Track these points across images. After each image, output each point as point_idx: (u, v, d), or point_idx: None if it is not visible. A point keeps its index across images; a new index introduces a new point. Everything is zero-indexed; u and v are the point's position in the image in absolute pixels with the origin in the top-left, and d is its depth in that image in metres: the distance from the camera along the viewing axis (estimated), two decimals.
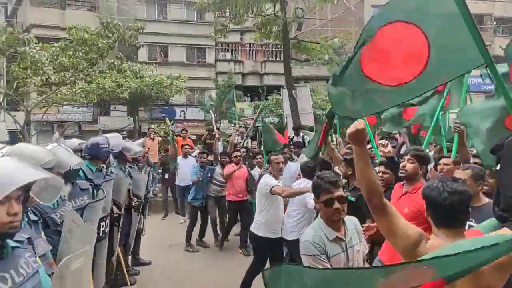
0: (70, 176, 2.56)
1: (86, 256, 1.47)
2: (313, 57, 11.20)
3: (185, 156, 6.92)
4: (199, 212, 5.82)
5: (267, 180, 3.81)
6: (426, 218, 2.28)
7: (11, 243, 1.25)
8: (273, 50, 21.49)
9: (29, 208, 1.72)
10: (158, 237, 6.00)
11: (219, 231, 5.91)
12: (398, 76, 1.82)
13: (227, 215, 5.93)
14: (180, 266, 4.90)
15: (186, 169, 6.53)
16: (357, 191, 3.05)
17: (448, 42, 1.71)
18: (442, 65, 1.73)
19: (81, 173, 3.24)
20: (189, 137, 8.77)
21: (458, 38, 1.65)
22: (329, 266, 1.85)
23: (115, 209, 3.62)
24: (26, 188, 1.35)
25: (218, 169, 5.79)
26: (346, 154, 4.01)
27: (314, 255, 1.87)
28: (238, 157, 5.52)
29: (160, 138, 8.83)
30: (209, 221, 5.82)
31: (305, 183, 3.70)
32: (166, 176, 7.57)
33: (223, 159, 5.80)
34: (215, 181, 5.73)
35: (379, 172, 3.14)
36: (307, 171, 3.86)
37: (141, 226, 4.72)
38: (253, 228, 3.88)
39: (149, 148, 7.21)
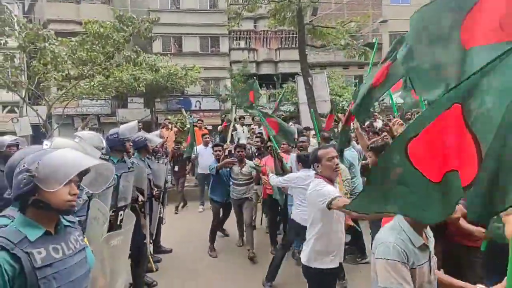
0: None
1: (125, 236, 1.60)
2: (329, 42, 10.90)
3: (206, 145, 7.10)
4: (221, 209, 5.25)
5: (325, 188, 2.52)
6: None
7: (64, 222, 1.48)
8: (288, 36, 21.13)
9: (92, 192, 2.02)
10: (178, 226, 6.13)
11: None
12: None
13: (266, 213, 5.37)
14: (201, 255, 4.98)
15: (207, 158, 6.60)
16: None
17: None
18: None
19: None
20: (205, 127, 8.84)
21: None
22: (410, 281, 1.53)
23: (140, 197, 3.73)
24: (84, 174, 1.74)
25: (236, 168, 4.97)
26: (373, 142, 3.83)
27: (396, 261, 1.53)
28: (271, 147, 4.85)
29: (176, 129, 8.91)
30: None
31: (306, 173, 3.54)
32: (176, 168, 7.56)
33: (240, 153, 4.97)
34: (235, 181, 4.95)
35: (369, 156, 3.14)
36: (305, 161, 3.56)
37: (161, 215, 4.81)
38: (303, 257, 2.74)
39: (166, 138, 7.30)
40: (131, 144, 3.69)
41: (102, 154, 2.92)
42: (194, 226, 6.20)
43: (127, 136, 3.57)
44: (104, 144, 2.98)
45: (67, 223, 1.48)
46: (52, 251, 1.35)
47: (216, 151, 5.31)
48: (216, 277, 4.30)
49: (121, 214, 3.04)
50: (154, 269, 4.39)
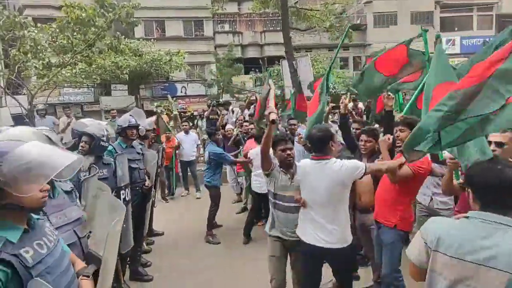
0: (95, 150, 2.98)
1: (121, 221, 1.71)
2: (313, 24, 10.95)
3: (186, 132, 7.24)
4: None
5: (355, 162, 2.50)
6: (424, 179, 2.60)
7: (34, 216, 1.41)
8: (273, 19, 20.95)
9: (61, 180, 1.90)
10: (166, 211, 6.30)
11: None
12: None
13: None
14: (193, 237, 5.17)
15: (188, 145, 7.08)
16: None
17: None
18: None
19: (112, 149, 3.58)
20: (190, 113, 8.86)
21: None
22: None
23: (147, 181, 3.93)
24: None
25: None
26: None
27: None
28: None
29: (166, 116, 8.90)
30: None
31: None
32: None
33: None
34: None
35: (361, 140, 3.27)
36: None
37: (153, 199, 4.94)
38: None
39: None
40: (134, 131, 3.79)
41: (103, 141, 3.00)
42: (181, 210, 6.41)
43: (129, 122, 3.76)
44: (105, 132, 3.05)
45: (37, 216, 1.43)
46: (37, 247, 1.31)
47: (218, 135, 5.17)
48: (208, 255, 4.51)
49: (122, 193, 3.19)
50: (149, 250, 4.57)
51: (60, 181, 1.91)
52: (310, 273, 2.58)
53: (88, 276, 1.54)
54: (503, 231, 1.30)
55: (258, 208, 5.06)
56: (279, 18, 12.71)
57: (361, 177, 2.49)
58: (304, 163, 2.61)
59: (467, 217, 1.42)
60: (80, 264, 1.60)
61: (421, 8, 21.82)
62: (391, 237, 2.75)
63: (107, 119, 9.60)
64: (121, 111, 9.15)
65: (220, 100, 8.58)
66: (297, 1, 12.73)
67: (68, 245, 1.64)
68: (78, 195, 2.08)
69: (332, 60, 4.67)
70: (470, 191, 1.45)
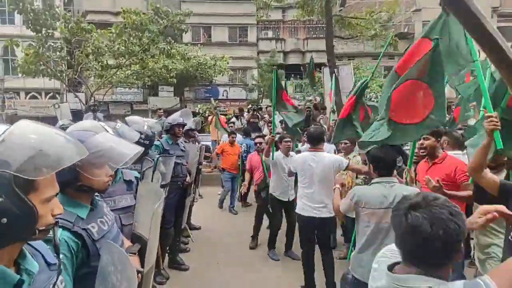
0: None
1: (162, 204, 1.90)
2: (357, 33, 10.86)
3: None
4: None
5: (338, 156, 3.79)
6: (456, 183, 2.72)
7: (96, 197, 1.58)
8: (316, 26, 20.93)
9: (123, 170, 2.17)
10: (203, 207, 6.63)
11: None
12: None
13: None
14: (228, 230, 5.42)
15: None
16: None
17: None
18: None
19: (159, 144, 3.97)
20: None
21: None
22: None
23: (188, 177, 4.22)
24: None
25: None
26: None
27: None
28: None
29: (223, 116, 9.25)
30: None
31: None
32: None
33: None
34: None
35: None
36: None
37: (193, 195, 5.26)
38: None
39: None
40: (181, 129, 4.15)
41: (141, 138, 3.29)
42: (217, 207, 6.74)
43: (177, 121, 4.13)
44: (145, 129, 3.36)
45: (98, 198, 1.60)
46: (100, 224, 1.48)
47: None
48: (243, 249, 4.72)
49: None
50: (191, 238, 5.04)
51: (128, 169, 2.20)
52: (309, 239, 3.58)
53: (134, 253, 1.70)
54: (392, 186, 2.28)
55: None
56: (322, 25, 12.76)
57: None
58: (303, 155, 3.69)
59: (373, 183, 2.35)
60: (128, 243, 1.79)
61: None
62: None
63: (153, 117, 10.28)
64: (167, 111, 9.76)
65: (261, 104, 8.84)
66: (341, 9, 12.70)
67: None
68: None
69: (374, 68, 4.64)
70: (371, 166, 2.40)
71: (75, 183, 1.41)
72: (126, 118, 3.31)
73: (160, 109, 10.26)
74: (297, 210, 3.62)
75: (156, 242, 2.00)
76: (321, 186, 3.42)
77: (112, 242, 1.43)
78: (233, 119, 9.01)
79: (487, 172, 2.07)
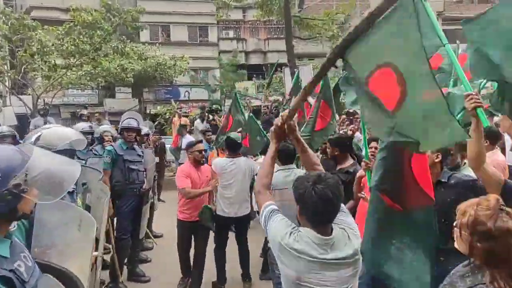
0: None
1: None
2: (316, 33, 11.11)
3: (189, 133, 7.30)
4: None
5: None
6: None
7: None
8: (277, 27, 21.15)
9: None
10: (168, 212, 6.35)
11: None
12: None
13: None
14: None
15: None
16: (348, 174, 3.14)
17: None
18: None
19: (111, 149, 3.76)
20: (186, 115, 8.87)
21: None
22: None
23: (145, 184, 4.02)
24: None
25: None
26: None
27: None
28: None
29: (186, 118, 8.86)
30: None
31: None
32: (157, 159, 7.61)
33: None
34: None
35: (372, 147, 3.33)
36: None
37: (153, 201, 5.02)
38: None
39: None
40: (130, 133, 3.90)
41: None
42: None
43: (126, 125, 3.90)
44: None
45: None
46: (25, 260, 1.22)
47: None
48: (208, 256, 4.56)
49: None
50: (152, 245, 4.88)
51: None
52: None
53: None
54: (292, 171, 3.07)
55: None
56: (283, 26, 12.92)
57: None
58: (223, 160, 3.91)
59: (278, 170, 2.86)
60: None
61: None
62: None
63: (111, 121, 9.68)
64: (113, 114, 9.26)
65: (215, 106, 8.81)
66: (300, 10, 12.93)
67: None
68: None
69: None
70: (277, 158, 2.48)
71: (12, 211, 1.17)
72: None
73: (98, 112, 9.73)
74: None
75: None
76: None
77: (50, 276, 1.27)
78: (197, 121, 8.77)
79: (489, 166, 1.86)
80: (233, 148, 3.84)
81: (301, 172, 2.93)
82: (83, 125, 4.20)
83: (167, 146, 7.54)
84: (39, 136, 2.06)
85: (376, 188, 1.96)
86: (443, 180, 2.09)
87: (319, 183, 1.46)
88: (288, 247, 1.46)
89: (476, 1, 24.31)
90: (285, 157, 3.11)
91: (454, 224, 1.32)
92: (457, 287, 1.27)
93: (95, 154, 4.08)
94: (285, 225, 1.54)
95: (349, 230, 1.54)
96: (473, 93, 1.73)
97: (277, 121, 1.91)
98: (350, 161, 3.27)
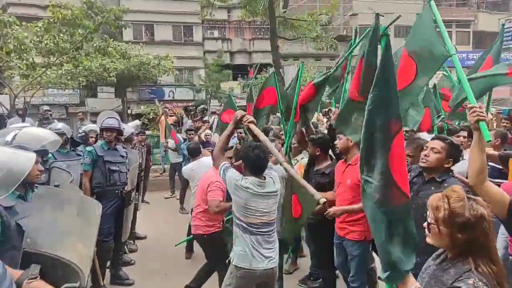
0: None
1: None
2: (300, 34, 11.19)
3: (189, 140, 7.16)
4: None
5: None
6: None
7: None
8: (262, 27, 21.20)
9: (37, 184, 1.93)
10: (153, 213, 6.27)
11: None
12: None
13: None
14: (175, 240, 5.17)
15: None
16: (324, 177, 3.18)
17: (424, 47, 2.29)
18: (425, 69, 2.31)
19: (92, 149, 3.66)
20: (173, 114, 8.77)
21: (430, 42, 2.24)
22: None
23: (128, 185, 3.90)
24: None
25: None
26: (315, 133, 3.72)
27: None
28: None
29: (175, 117, 8.73)
30: None
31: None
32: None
33: None
34: None
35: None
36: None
37: (136, 203, 4.94)
38: None
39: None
40: (109, 134, 3.78)
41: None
42: (165, 214, 6.39)
43: (105, 125, 3.78)
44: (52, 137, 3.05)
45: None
46: None
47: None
48: (193, 258, 4.52)
49: None
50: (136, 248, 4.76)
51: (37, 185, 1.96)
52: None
53: (35, 277, 1.47)
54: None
55: None
56: (268, 26, 12.97)
57: None
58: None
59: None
60: (16, 273, 1.48)
61: (405, 22, 22.48)
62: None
63: (93, 121, 9.45)
64: (95, 114, 9.05)
65: (203, 106, 8.75)
66: (285, 11, 13.00)
67: None
68: None
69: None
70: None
71: None
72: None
73: (81, 112, 9.51)
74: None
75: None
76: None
77: None
78: (186, 120, 8.69)
79: (491, 184, 1.71)
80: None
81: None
82: (57, 125, 4.04)
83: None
84: (15, 135, 2.02)
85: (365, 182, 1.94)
86: (437, 179, 2.16)
87: (256, 149, 2.39)
88: (240, 185, 2.36)
89: (454, 4, 25.11)
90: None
91: (429, 220, 1.32)
92: (444, 280, 1.27)
93: (78, 155, 3.95)
94: (237, 174, 2.44)
95: (274, 178, 2.50)
96: (477, 106, 1.67)
97: (239, 114, 2.54)
98: (328, 162, 3.30)
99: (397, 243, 1.76)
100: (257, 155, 2.36)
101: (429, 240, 1.34)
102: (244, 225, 2.36)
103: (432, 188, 2.11)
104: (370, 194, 1.86)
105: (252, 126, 2.45)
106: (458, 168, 2.43)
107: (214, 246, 3.31)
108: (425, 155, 2.21)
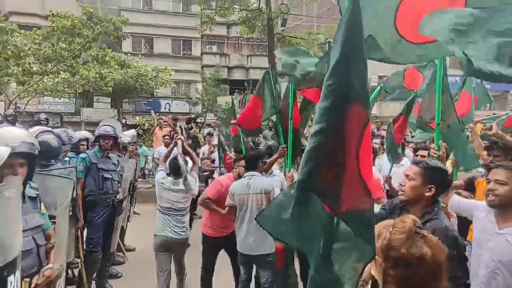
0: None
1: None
2: None
3: (167, 146, 7.10)
4: None
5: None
6: None
7: None
8: (259, 44, 21.58)
9: (28, 186, 1.85)
10: (143, 225, 6.13)
11: None
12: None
13: None
14: None
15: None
16: None
17: None
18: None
19: (85, 156, 3.63)
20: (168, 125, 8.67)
21: None
22: None
23: (120, 194, 3.84)
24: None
25: None
26: None
27: None
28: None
29: (170, 128, 8.65)
30: None
31: None
32: None
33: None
34: None
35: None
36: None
37: (128, 214, 4.85)
38: None
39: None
40: (107, 141, 3.75)
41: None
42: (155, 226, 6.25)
43: (102, 133, 3.76)
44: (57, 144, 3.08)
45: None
46: None
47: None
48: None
49: None
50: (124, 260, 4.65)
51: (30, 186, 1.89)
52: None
53: None
54: (252, 177, 3.21)
55: None
56: (265, 43, 13.21)
57: None
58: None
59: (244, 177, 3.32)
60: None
61: None
62: None
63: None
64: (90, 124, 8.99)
65: (200, 118, 8.81)
66: (283, 29, 13.28)
67: (24, 251, 1.58)
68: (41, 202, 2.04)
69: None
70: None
71: None
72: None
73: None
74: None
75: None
76: None
77: None
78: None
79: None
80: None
81: (260, 180, 3.22)
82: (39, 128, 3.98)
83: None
84: None
85: (302, 184, 1.42)
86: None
87: (173, 160, 3.33)
88: (160, 182, 3.38)
89: None
90: (248, 164, 3.32)
91: None
92: None
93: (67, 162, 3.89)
94: (162, 174, 3.44)
95: (189, 179, 3.33)
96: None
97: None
98: None
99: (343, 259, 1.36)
100: (174, 163, 3.28)
101: (372, 271, 1.18)
102: (160, 208, 3.42)
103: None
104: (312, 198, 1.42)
105: (179, 143, 3.59)
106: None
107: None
108: (400, 184, 1.90)
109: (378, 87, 4.26)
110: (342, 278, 1.32)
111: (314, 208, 1.43)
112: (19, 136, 1.77)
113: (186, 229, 3.44)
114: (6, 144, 1.65)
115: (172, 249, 3.45)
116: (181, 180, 3.31)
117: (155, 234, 3.43)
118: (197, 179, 3.65)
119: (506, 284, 1.77)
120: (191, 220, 4.17)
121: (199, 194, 3.71)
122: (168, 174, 3.41)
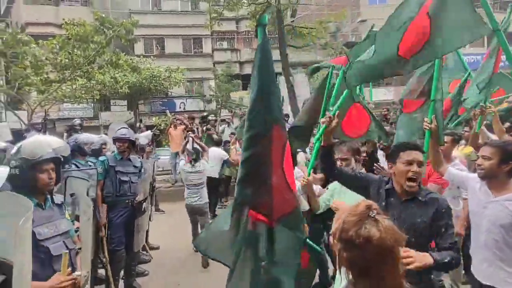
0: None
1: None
2: (308, 42, 11.22)
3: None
4: None
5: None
6: None
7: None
8: (270, 36, 21.32)
9: (54, 193, 1.95)
10: (165, 224, 6.27)
11: None
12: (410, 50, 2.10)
13: None
14: (189, 250, 5.14)
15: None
16: None
17: (449, 18, 1.99)
18: (446, 39, 2.03)
19: (105, 159, 3.72)
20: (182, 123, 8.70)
21: (459, 14, 1.94)
22: None
23: (139, 196, 3.91)
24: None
25: None
26: None
27: None
28: None
29: (183, 126, 8.70)
30: None
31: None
32: None
33: None
34: None
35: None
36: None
37: (150, 213, 4.95)
38: None
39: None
40: (121, 144, 3.81)
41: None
42: (178, 224, 6.37)
43: (117, 136, 3.84)
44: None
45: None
46: None
47: None
48: (206, 270, 4.49)
49: None
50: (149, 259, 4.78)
51: (55, 194, 1.98)
52: None
53: None
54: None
55: None
56: (276, 36, 13.09)
57: None
58: None
59: None
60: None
61: None
62: None
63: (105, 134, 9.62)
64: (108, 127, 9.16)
65: (213, 115, 8.83)
66: (293, 20, 13.09)
67: (56, 256, 1.71)
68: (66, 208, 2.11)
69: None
70: None
71: None
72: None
73: (67, 125, 9.56)
74: None
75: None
76: None
77: None
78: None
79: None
80: None
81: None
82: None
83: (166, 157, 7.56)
84: (20, 147, 1.91)
85: (237, 202, 1.81)
86: (420, 198, 1.87)
87: (194, 147, 5.01)
88: (183, 168, 4.85)
89: None
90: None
91: (330, 231, 1.19)
92: None
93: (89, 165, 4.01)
94: (183, 162, 4.88)
95: (202, 162, 4.82)
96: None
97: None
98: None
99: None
100: (196, 148, 4.66)
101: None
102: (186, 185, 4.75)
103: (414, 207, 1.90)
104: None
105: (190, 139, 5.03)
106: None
107: None
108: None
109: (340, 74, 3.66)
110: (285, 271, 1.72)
111: (240, 222, 1.80)
112: (52, 143, 1.97)
113: (202, 198, 4.78)
114: (46, 150, 1.88)
115: (193, 212, 4.83)
116: (197, 164, 4.70)
117: (185, 203, 4.82)
118: (208, 162, 5.07)
119: (506, 244, 1.97)
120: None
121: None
122: (189, 161, 4.81)
